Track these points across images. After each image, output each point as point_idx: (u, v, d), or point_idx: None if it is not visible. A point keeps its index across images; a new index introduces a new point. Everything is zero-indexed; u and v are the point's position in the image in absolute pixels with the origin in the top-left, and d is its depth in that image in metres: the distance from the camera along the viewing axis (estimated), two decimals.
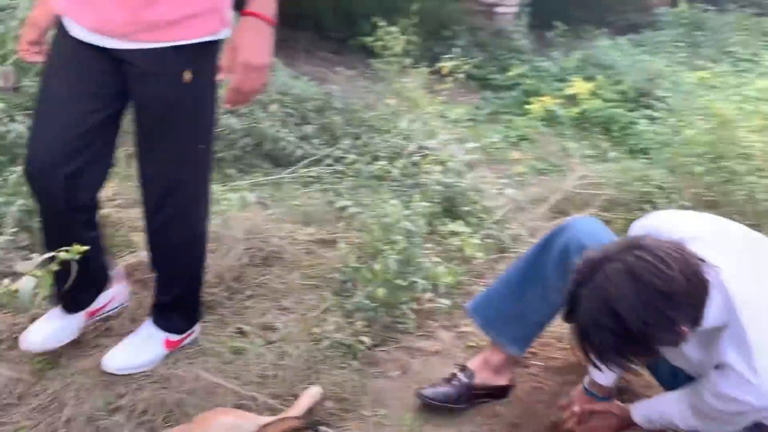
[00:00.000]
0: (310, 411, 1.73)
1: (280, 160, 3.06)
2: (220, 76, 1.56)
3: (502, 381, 1.88)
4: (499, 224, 2.66)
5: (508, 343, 1.83)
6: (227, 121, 3.00)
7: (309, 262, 2.41)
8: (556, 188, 3.19)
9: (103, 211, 2.36)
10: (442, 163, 2.78)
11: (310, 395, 1.76)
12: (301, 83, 3.43)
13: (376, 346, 2.05)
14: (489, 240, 2.52)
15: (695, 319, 1.27)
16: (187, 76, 1.53)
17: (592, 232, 1.72)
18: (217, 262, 2.24)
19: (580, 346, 1.33)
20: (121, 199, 2.59)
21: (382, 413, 1.80)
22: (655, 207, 2.76)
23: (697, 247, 1.31)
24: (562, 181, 3.28)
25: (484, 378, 1.86)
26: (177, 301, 1.88)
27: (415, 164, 2.82)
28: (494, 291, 1.88)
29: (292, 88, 3.32)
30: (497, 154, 3.69)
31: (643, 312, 1.22)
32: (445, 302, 2.19)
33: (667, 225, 1.42)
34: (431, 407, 1.81)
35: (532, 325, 1.83)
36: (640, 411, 1.64)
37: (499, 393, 1.88)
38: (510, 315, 1.81)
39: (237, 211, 2.51)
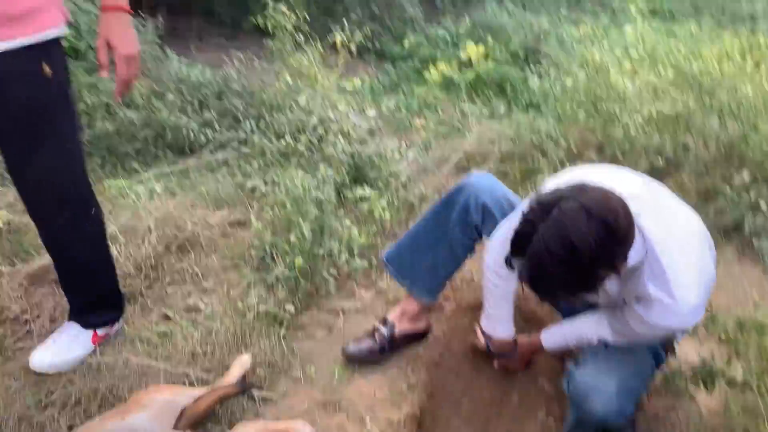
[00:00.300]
0: (243, 378, 1.80)
1: (183, 148, 3.05)
2: (102, 74, 1.58)
3: (420, 326, 2.02)
4: (405, 186, 2.79)
5: (421, 293, 1.97)
6: (125, 115, 2.96)
7: (225, 243, 2.45)
8: (457, 148, 3.35)
9: (6, 218, 2.32)
10: (345, 134, 2.87)
11: (241, 364, 1.83)
12: (196, 70, 3.39)
13: (300, 312, 2.14)
14: (397, 201, 2.64)
15: (626, 256, 1.40)
16: (47, 69, 1.53)
17: (489, 188, 1.86)
18: (132, 253, 2.25)
19: (528, 279, 1.40)
20: (21, 204, 2.53)
21: (312, 371, 1.89)
22: (545, 155, 2.97)
23: None
24: (462, 142, 3.44)
25: (403, 327, 1.99)
26: (97, 299, 1.89)
27: (319, 138, 2.89)
28: (404, 244, 2.00)
29: (187, 76, 3.29)
30: (400, 123, 3.81)
31: (594, 245, 1.31)
32: (362, 263, 2.29)
33: (581, 179, 1.51)
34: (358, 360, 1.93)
35: (441, 276, 1.97)
36: (551, 339, 1.79)
37: (418, 337, 2.02)
38: (421, 268, 1.95)
39: (146, 202, 2.52)
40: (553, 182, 1.53)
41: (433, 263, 1.94)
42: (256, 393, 1.79)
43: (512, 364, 1.90)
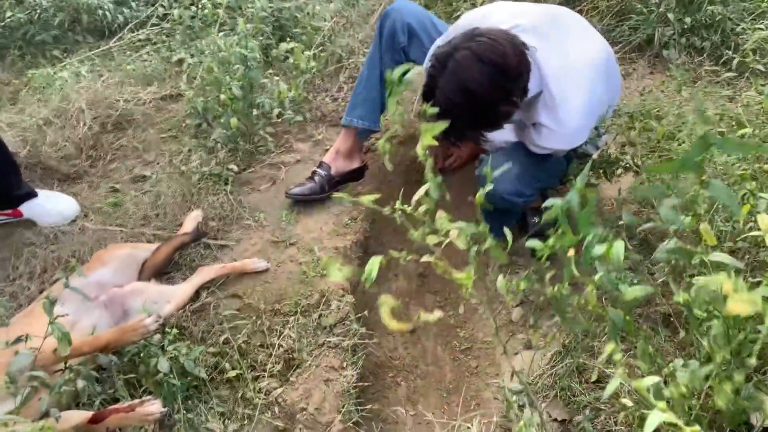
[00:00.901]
0: (197, 228, 1.93)
1: (103, 31, 2.98)
2: None
3: (355, 164, 2.15)
4: (331, 40, 2.81)
5: (368, 124, 2.06)
6: (34, 1, 2.85)
7: (160, 117, 2.49)
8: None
9: None
10: None
11: (193, 217, 1.96)
12: None
13: (243, 170, 2.24)
14: (324, 54, 2.67)
15: (524, 90, 1.52)
16: None
17: (413, 10, 1.94)
18: (70, 135, 2.29)
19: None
20: None
21: (261, 217, 2.03)
22: None
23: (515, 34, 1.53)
24: None
25: (339, 166, 2.12)
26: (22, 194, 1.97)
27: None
28: (353, 96, 2.09)
29: None
30: None
31: (489, 87, 1.44)
32: (297, 117, 2.37)
33: (481, 19, 1.61)
34: (301, 202, 2.07)
35: (379, 105, 2.05)
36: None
37: (356, 176, 2.15)
38: (369, 104, 2.05)
39: (74, 86, 2.50)
40: (453, 28, 1.62)
41: (375, 97, 2.03)
42: (211, 242, 1.93)
43: (457, 152, 2.12)
